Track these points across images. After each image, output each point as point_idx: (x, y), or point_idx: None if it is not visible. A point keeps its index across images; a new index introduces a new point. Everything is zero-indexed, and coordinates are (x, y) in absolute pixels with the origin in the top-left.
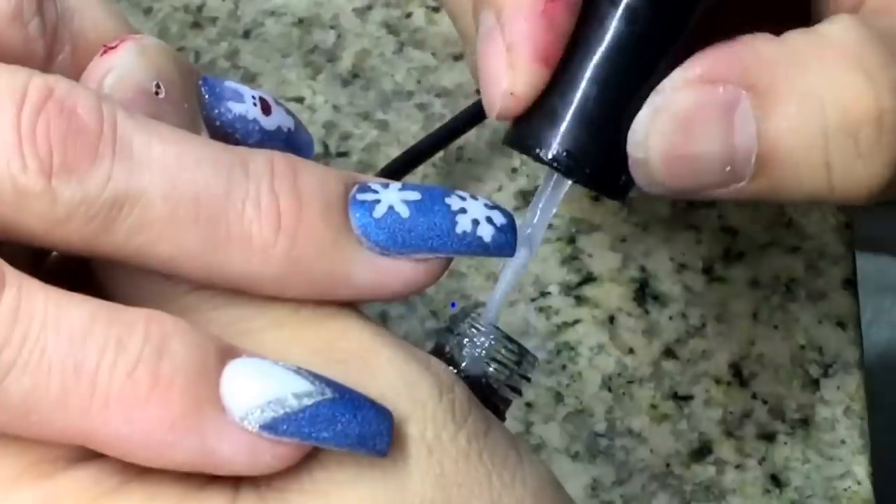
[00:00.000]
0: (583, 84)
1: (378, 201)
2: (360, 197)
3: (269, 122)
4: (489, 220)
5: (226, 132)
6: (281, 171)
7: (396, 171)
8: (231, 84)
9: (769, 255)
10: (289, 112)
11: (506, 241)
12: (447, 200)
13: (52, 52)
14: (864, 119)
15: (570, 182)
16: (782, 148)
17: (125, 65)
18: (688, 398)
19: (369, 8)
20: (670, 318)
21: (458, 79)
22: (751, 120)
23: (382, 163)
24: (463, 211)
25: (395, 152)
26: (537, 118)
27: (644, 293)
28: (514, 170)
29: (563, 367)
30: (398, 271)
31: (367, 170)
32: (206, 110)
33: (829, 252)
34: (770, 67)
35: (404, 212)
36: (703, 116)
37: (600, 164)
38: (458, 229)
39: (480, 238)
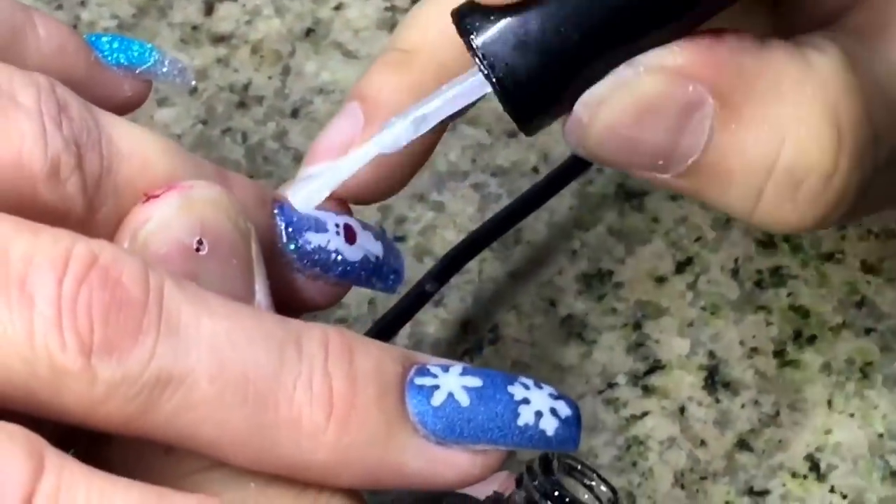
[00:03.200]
0: (568, 17)
1: (437, 387)
2: (419, 381)
3: (353, 252)
4: (553, 411)
5: (304, 265)
6: (336, 351)
7: (456, 259)
8: (312, 213)
9: (842, 338)
10: (378, 236)
11: (570, 436)
12: (510, 389)
13: (94, 206)
14: (816, 172)
15: (488, 91)
16: (724, 165)
17: (163, 217)
18: (764, 493)
19: None
20: (742, 406)
21: (513, 156)
22: (705, 128)
23: (439, 246)
24: (526, 401)
25: (451, 235)
26: (504, 18)
27: (714, 380)
28: (575, 252)
29: (634, 463)
30: (453, 462)
31: (423, 254)
32: (283, 242)
33: None
34: (747, 84)
35: (464, 400)
36: (662, 109)
37: (533, 99)
38: (520, 421)
39: (543, 432)
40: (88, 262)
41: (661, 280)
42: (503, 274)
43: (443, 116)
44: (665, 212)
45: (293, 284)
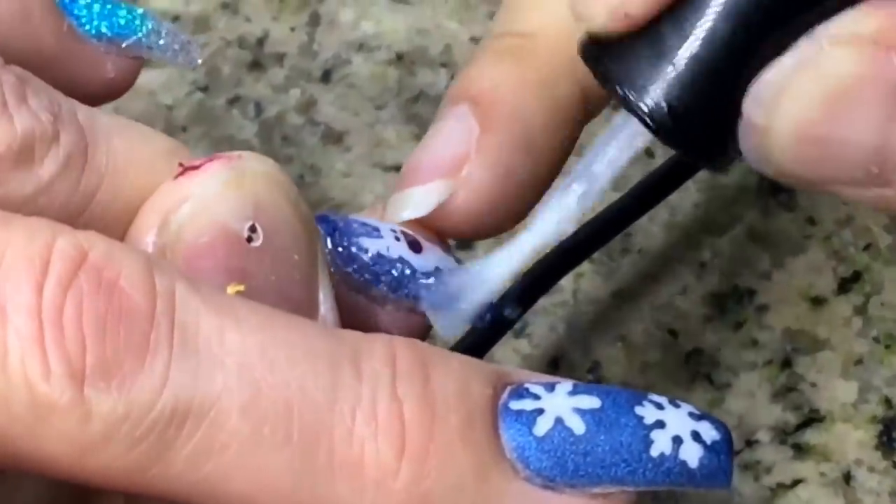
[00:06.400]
0: (710, 15)
1: (541, 412)
2: (516, 405)
3: (422, 261)
4: (696, 436)
5: (363, 281)
6: (406, 369)
7: (544, 274)
8: (358, 218)
9: None
10: (446, 250)
11: (720, 467)
12: (638, 410)
13: (72, 201)
14: None
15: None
16: None
17: (206, 195)
18: None
19: None
20: None
21: None
22: None
23: None
24: (660, 425)
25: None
26: (638, 48)
27: (891, 438)
28: (703, 265)
29: None
30: None
31: None
32: (334, 256)
33: None
34: None
35: (578, 427)
36: (863, 92)
37: (706, 128)
38: (654, 451)
39: (684, 463)
40: (76, 260)
41: (818, 302)
42: (606, 294)
43: (606, 183)
44: (824, 210)
45: (351, 310)
